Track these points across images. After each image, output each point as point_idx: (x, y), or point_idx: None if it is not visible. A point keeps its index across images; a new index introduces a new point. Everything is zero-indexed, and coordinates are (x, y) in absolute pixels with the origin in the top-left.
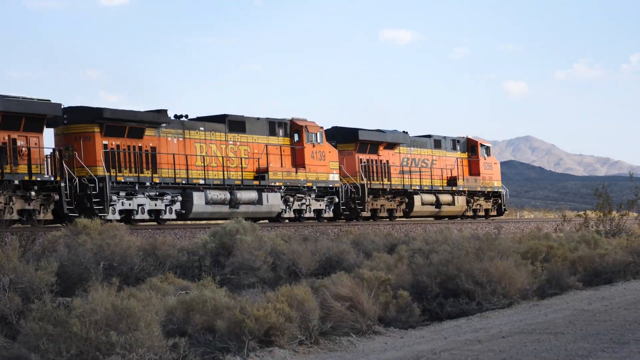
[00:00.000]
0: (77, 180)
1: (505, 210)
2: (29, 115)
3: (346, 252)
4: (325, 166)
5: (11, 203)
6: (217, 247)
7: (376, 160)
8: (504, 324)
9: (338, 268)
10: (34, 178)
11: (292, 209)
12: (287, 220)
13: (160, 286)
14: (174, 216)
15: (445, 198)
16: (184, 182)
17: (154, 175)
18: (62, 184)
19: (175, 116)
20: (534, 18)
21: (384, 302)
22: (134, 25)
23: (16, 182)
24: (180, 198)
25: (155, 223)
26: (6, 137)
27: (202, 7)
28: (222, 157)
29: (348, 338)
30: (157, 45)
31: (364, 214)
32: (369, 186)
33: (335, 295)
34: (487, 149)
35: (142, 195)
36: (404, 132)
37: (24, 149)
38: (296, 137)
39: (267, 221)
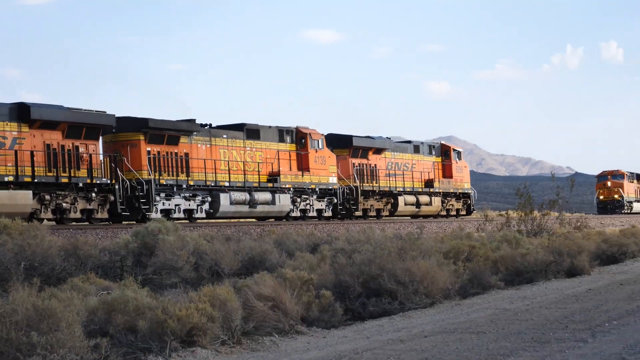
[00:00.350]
0: (127, 183)
1: (473, 209)
2: (89, 125)
3: (269, 252)
4: (325, 170)
5: (76, 203)
6: (139, 247)
7: (367, 165)
8: (426, 323)
9: (261, 268)
10: (94, 181)
11: (298, 209)
12: (293, 219)
13: (81, 286)
14: (203, 215)
15: (424, 199)
16: (212, 184)
17: (188, 178)
18: (117, 186)
19: (202, 125)
20: (456, 18)
21: (306, 301)
22: (56, 25)
23: (80, 184)
24: (209, 199)
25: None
26: (70, 145)
27: (123, 7)
28: (242, 162)
29: (271, 338)
30: (78, 44)
31: (357, 213)
32: (361, 188)
33: (257, 295)
34: (459, 153)
35: (179, 197)
36: (387, 138)
37: (84, 155)
38: (301, 144)
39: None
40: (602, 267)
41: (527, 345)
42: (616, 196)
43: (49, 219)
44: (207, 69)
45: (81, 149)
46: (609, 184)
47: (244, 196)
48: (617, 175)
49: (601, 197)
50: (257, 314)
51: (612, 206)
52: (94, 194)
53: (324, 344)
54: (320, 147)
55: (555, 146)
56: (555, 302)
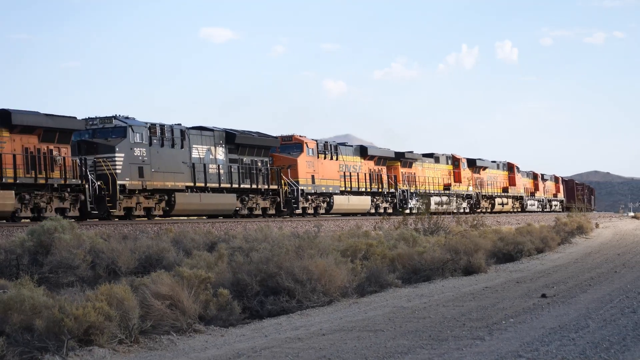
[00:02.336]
0: (96, 184)
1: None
2: (61, 130)
3: (166, 251)
4: (466, 182)
5: (51, 203)
6: (35, 246)
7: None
8: (325, 321)
9: (158, 266)
10: (67, 182)
11: (460, 206)
12: (460, 213)
13: None
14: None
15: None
16: (429, 191)
17: (417, 188)
18: (87, 186)
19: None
20: (351, 17)
21: (204, 300)
22: None
23: (55, 185)
24: (426, 200)
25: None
26: (45, 148)
27: (16, 4)
28: (434, 177)
29: (168, 337)
30: None
31: (478, 210)
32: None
33: (155, 293)
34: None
35: (411, 200)
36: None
37: (58, 158)
38: (455, 165)
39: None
40: (498, 265)
41: (424, 343)
42: None
43: (27, 217)
44: (103, 67)
45: (54, 152)
46: None
47: (440, 199)
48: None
49: None
50: (154, 312)
51: None
52: (66, 194)
53: (222, 342)
54: (464, 167)
55: (453, 144)
56: (453, 300)
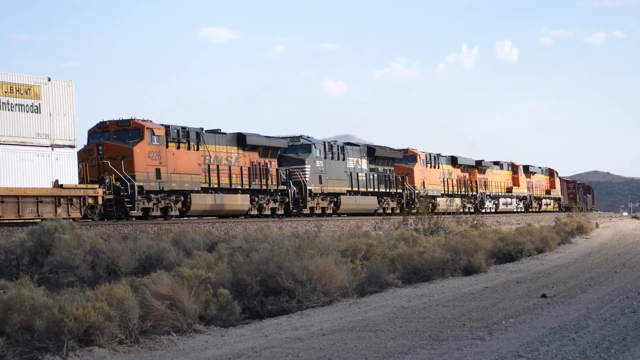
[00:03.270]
0: (295, 189)
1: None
2: (273, 148)
3: (166, 251)
4: (524, 186)
5: (268, 204)
6: (35, 246)
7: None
8: (325, 321)
9: (158, 267)
10: (278, 188)
11: (517, 206)
12: (516, 213)
13: None
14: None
15: (508, 200)
16: (496, 194)
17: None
18: (289, 191)
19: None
20: (351, 17)
21: (204, 300)
22: None
23: (271, 190)
24: (495, 201)
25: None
26: (263, 162)
27: (16, 4)
28: (500, 182)
29: (168, 337)
30: None
31: (531, 209)
32: (533, 195)
33: (155, 293)
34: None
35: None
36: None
37: (272, 169)
38: (514, 171)
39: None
40: (498, 265)
41: (424, 343)
42: None
43: (254, 215)
44: (103, 67)
45: (268, 165)
46: None
47: (507, 200)
48: None
49: None
50: (154, 312)
51: None
52: (278, 197)
53: (222, 342)
54: (521, 173)
55: (454, 144)
56: (453, 300)
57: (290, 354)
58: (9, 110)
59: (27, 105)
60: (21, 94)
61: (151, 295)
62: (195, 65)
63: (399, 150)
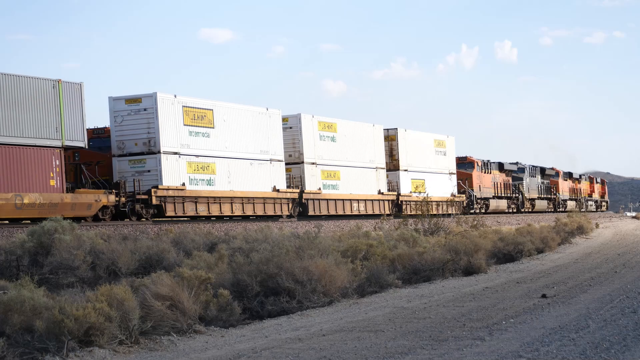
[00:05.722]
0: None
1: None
2: (511, 171)
3: (166, 251)
4: (596, 193)
5: (512, 206)
6: (35, 247)
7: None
8: (325, 322)
9: (158, 267)
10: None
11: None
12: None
13: None
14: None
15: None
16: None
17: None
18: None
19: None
20: (351, 17)
21: (204, 301)
22: None
23: (512, 196)
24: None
25: None
26: (508, 180)
27: (16, 4)
28: (583, 190)
29: (169, 337)
30: None
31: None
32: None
33: (155, 294)
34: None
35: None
36: (551, 168)
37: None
38: (591, 181)
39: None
40: (498, 266)
41: (425, 343)
42: None
43: (510, 212)
44: (103, 67)
45: (509, 181)
46: None
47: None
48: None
49: None
50: (155, 313)
51: None
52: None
53: (222, 343)
54: (596, 182)
55: (456, 146)
56: (453, 300)
57: (290, 354)
58: None
59: None
60: None
61: (151, 295)
62: (196, 66)
63: (551, 168)
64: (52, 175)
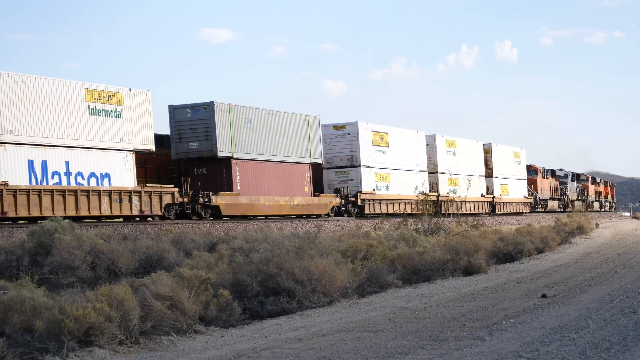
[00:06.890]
0: None
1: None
2: (559, 176)
3: (166, 251)
4: (609, 195)
5: (560, 206)
6: (35, 247)
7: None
8: (325, 322)
9: (158, 267)
10: (560, 197)
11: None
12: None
13: None
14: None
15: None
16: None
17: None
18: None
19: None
20: (351, 17)
21: (204, 301)
22: None
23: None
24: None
25: None
26: (558, 184)
27: (16, 4)
28: (604, 193)
29: (169, 337)
30: None
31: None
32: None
33: (155, 294)
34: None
35: None
36: (573, 172)
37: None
38: (605, 185)
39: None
40: (498, 266)
41: (425, 343)
42: None
43: (560, 211)
44: (103, 67)
45: (558, 185)
46: None
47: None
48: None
49: None
50: (155, 313)
51: None
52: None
53: (222, 343)
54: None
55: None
56: (453, 300)
57: (290, 354)
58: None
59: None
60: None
61: (151, 295)
62: (196, 66)
63: (574, 173)
64: (305, 183)
